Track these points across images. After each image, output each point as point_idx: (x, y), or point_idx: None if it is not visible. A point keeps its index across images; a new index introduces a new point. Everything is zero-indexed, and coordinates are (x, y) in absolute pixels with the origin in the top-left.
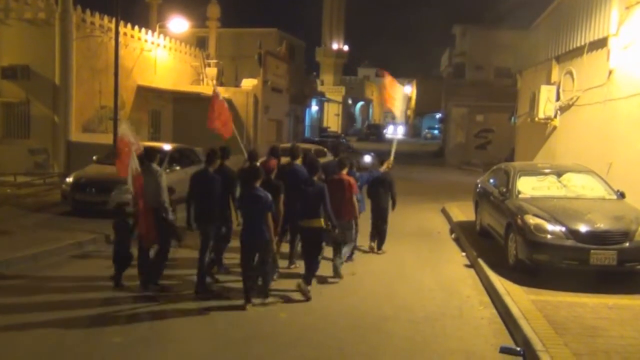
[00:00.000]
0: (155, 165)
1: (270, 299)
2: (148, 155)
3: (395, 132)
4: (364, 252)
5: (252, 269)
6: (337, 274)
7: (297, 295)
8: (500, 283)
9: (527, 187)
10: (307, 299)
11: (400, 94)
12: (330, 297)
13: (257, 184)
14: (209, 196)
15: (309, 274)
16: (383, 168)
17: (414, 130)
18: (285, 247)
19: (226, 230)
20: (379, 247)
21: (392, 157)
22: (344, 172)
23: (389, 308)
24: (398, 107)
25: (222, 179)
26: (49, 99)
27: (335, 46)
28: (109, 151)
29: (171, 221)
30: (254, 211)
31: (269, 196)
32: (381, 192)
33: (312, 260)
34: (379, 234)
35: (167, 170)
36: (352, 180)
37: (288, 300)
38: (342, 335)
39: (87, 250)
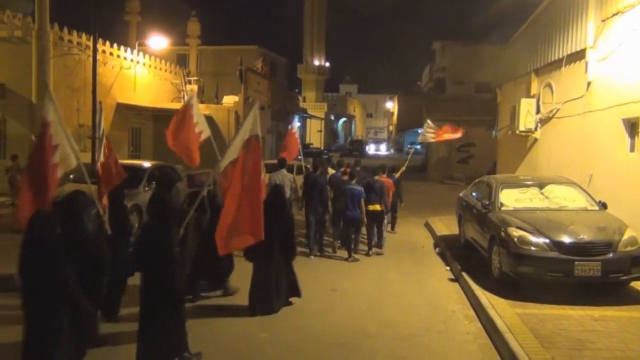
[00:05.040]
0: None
1: (357, 256)
2: (281, 164)
3: (378, 149)
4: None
5: (348, 236)
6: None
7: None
8: (485, 297)
9: (510, 199)
10: (382, 253)
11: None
12: (312, 314)
13: (354, 182)
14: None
15: (380, 241)
16: (398, 175)
17: (396, 145)
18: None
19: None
20: (392, 228)
21: (404, 167)
22: (384, 175)
23: (372, 325)
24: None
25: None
26: (25, 117)
27: (316, 63)
28: (87, 170)
29: None
30: (354, 199)
31: (362, 189)
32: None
33: (380, 232)
34: (393, 219)
35: (146, 188)
36: (389, 181)
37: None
38: (323, 354)
39: None
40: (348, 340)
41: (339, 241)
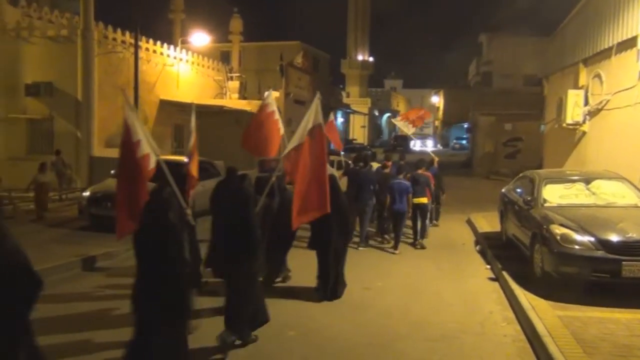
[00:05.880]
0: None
1: (398, 251)
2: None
3: (424, 144)
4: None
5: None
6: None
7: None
8: (525, 297)
9: (554, 195)
10: (423, 247)
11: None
12: (343, 313)
13: (401, 176)
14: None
15: (423, 233)
16: (435, 163)
17: (442, 140)
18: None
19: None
20: (436, 219)
21: (435, 157)
22: (423, 169)
23: (404, 325)
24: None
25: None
26: (72, 115)
27: (360, 58)
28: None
29: None
30: (401, 193)
31: (409, 184)
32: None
33: (423, 225)
34: (436, 211)
35: None
36: (429, 174)
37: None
38: (351, 356)
39: (99, 265)
40: (377, 341)
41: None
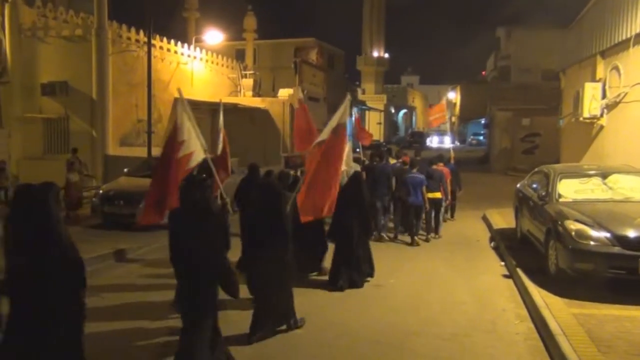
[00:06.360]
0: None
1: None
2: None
3: (441, 141)
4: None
5: (411, 222)
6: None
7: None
8: (539, 295)
9: (569, 190)
10: (438, 233)
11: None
12: (353, 310)
13: (415, 170)
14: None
15: (437, 227)
16: (452, 160)
17: (459, 136)
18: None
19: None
20: (452, 216)
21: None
22: (441, 164)
23: (415, 322)
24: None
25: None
26: (87, 114)
27: (375, 54)
28: (140, 164)
29: None
30: (415, 186)
31: (424, 177)
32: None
33: (437, 218)
34: (452, 206)
35: None
36: (446, 170)
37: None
38: (359, 353)
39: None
40: (387, 339)
41: (401, 227)
